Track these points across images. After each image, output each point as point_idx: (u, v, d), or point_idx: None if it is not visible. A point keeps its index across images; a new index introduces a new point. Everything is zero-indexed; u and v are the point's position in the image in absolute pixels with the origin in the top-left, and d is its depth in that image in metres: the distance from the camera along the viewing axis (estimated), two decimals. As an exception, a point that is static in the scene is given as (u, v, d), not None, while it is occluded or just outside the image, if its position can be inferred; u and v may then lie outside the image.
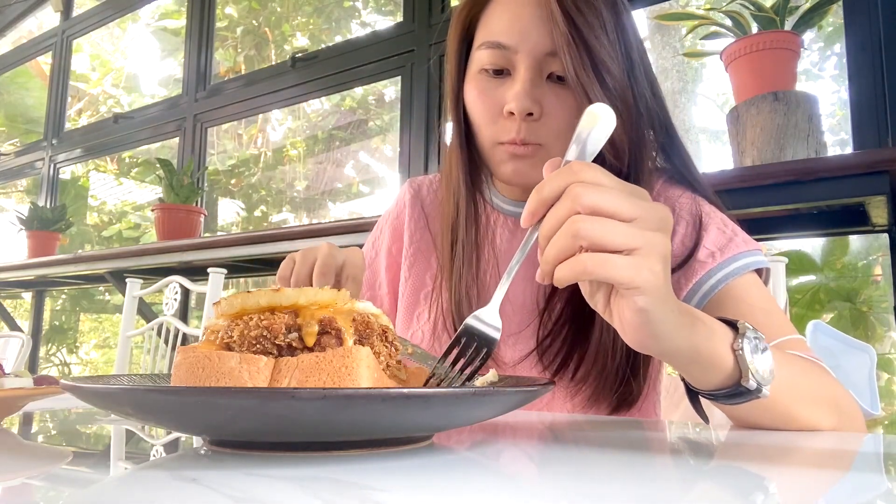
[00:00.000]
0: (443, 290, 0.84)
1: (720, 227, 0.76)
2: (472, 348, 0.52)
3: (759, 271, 0.75)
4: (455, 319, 0.80)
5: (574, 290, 0.66)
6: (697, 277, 0.73)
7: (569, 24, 0.69)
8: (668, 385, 1.48)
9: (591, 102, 0.70)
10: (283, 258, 0.74)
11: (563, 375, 0.77)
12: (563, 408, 0.78)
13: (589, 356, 0.75)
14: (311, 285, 0.69)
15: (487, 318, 0.53)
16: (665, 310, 0.48)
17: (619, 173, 0.75)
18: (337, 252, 0.71)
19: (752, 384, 0.52)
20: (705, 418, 0.59)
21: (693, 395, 0.58)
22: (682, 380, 0.57)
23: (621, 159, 0.74)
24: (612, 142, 0.72)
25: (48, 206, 3.45)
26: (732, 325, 0.55)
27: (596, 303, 0.52)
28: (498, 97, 0.74)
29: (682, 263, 0.75)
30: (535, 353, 0.78)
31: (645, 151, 0.75)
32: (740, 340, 0.53)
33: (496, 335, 0.52)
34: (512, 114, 0.72)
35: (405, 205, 0.95)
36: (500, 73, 0.75)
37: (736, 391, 0.53)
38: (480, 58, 0.75)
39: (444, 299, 0.84)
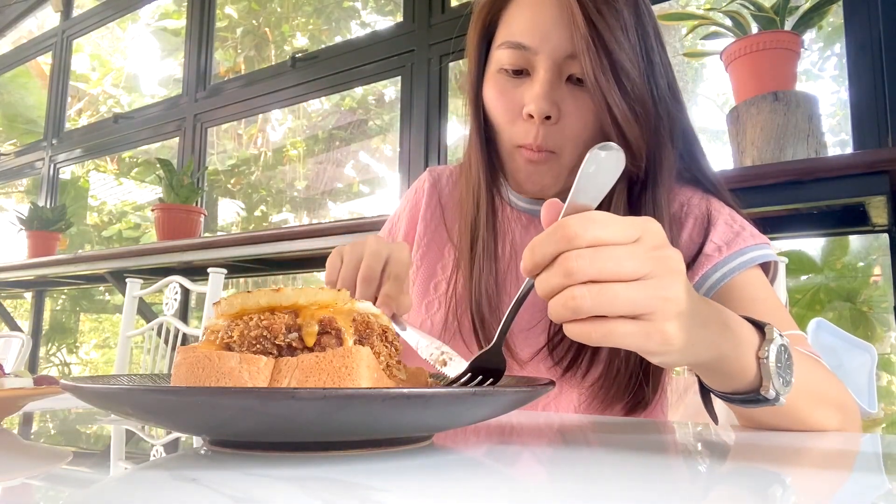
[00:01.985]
0: (457, 285, 0.85)
1: (728, 222, 0.77)
2: (478, 379, 0.52)
3: (767, 266, 0.76)
4: (475, 318, 0.80)
5: None
6: (704, 271, 0.74)
7: (589, 27, 0.69)
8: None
9: (609, 106, 0.69)
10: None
11: (575, 372, 0.77)
12: (570, 404, 0.78)
13: (601, 358, 0.75)
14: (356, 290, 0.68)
15: (492, 361, 0.51)
16: (687, 349, 0.45)
17: (636, 178, 0.76)
18: (382, 248, 0.68)
19: (772, 394, 0.51)
20: (714, 418, 0.59)
21: (706, 392, 0.58)
22: (697, 377, 0.57)
23: (638, 165, 0.74)
24: (628, 146, 0.72)
25: (48, 206, 3.45)
26: (760, 326, 0.53)
27: None
28: (517, 98, 0.74)
29: (692, 261, 0.75)
30: (545, 348, 0.78)
31: (664, 155, 0.75)
32: (766, 348, 0.51)
33: (502, 368, 0.51)
34: (531, 116, 0.73)
35: (423, 193, 0.96)
36: (520, 73, 0.75)
37: (753, 398, 0.53)
38: (500, 57, 0.75)
39: (458, 293, 0.84)
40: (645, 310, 0.41)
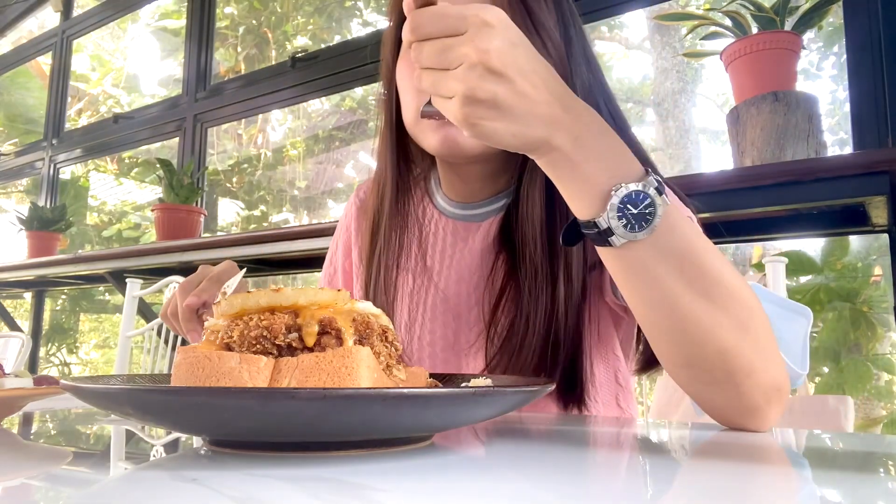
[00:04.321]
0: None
1: None
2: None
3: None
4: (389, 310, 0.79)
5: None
6: None
7: None
8: (667, 385, 1.48)
9: None
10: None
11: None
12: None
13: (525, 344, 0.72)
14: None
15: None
16: (520, 110, 0.47)
17: None
18: (205, 270, 0.74)
19: (603, 224, 0.48)
20: (570, 242, 0.54)
21: (570, 232, 0.53)
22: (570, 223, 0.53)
23: None
24: None
25: (48, 206, 3.45)
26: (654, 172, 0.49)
27: None
28: None
29: None
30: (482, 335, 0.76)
31: None
32: (627, 185, 0.47)
33: None
34: None
35: (352, 217, 0.94)
36: None
37: (586, 225, 0.50)
38: None
39: (359, 287, 0.82)
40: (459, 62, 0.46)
